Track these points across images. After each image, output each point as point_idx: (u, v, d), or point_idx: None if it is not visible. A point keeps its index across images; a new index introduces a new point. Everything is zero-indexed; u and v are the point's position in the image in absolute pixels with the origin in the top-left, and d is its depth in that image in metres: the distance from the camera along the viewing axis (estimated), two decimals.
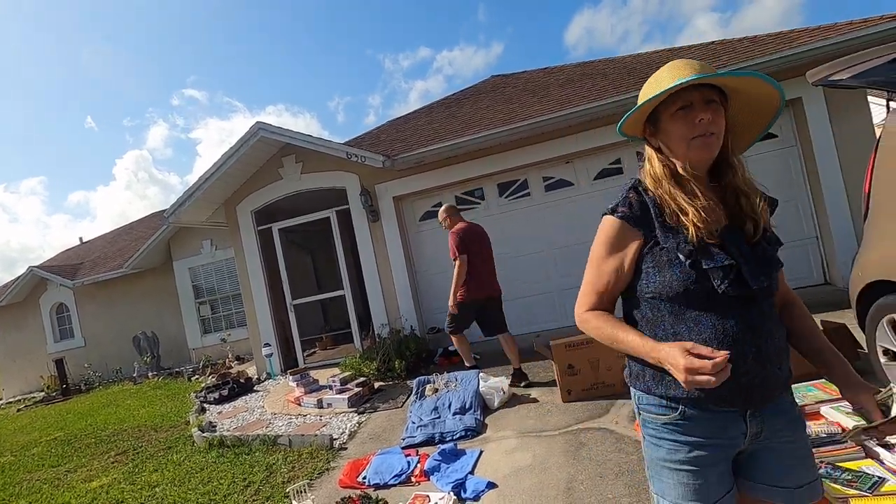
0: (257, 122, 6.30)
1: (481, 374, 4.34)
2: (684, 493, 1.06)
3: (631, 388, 1.18)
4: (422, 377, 4.63)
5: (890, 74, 2.59)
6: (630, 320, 1.15)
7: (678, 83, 0.98)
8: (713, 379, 0.87)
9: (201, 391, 6.44)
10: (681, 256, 1.02)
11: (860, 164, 3.97)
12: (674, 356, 0.93)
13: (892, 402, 1.09)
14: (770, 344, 1.03)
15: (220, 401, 6.04)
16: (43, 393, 10.56)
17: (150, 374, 9.79)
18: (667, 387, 1.05)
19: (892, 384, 1.13)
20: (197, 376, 8.68)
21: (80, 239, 16.23)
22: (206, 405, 6.01)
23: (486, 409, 3.91)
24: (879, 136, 2.60)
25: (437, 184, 6.39)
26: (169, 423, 5.57)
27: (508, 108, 6.74)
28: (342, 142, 7.64)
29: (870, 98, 5.38)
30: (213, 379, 6.93)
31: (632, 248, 1.08)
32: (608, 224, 1.11)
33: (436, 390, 4.28)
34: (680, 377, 0.92)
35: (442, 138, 6.31)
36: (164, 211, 7.12)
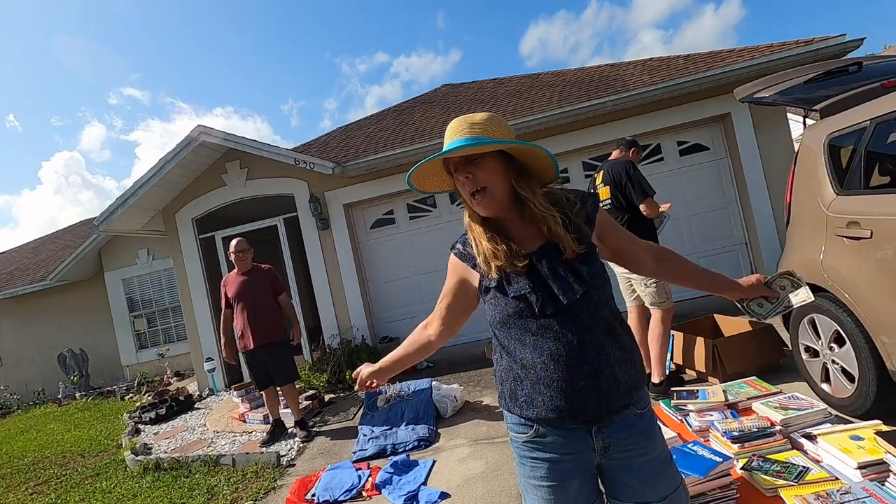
0: (198, 126, 6.02)
1: (434, 382, 4.32)
2: None
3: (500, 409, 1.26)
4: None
5: (805, 93, 2.83)
6: (494, 349, 1.25)
7: (434, 157, 1.13)
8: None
9: (136, 411, 6.02)
10: (494, 287, 1.13)
11: (782, 175, 4.30)
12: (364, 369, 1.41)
13: (777, 282, 1.36)
14: (602, 358, 1.07)
15: (157, 420, 5.67)
16: None
17: (77, 394, 9.03)
18: (521, 407, 1.13)
19: (775, 275, 1.36)
20: (131, 395, 8.10)
21: None
22: (140, 426, 5.62)
23: (439, 417, 3.89)
24: (797, 150, 2.83)
25: (388, 191, 6.35)
26: (98, 448, 5.15)
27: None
28: (293, 147, 7.44)
29: (789, 115, 5.85)
30: (150, 397, 6.50)
31: (463, 280, 1.25)
32: (450, 259, 1.29)
33: (388, 401, 4.21)
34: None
35: (393, 145, 6.29)
36: (94, 218, 6.63)
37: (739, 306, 1.40)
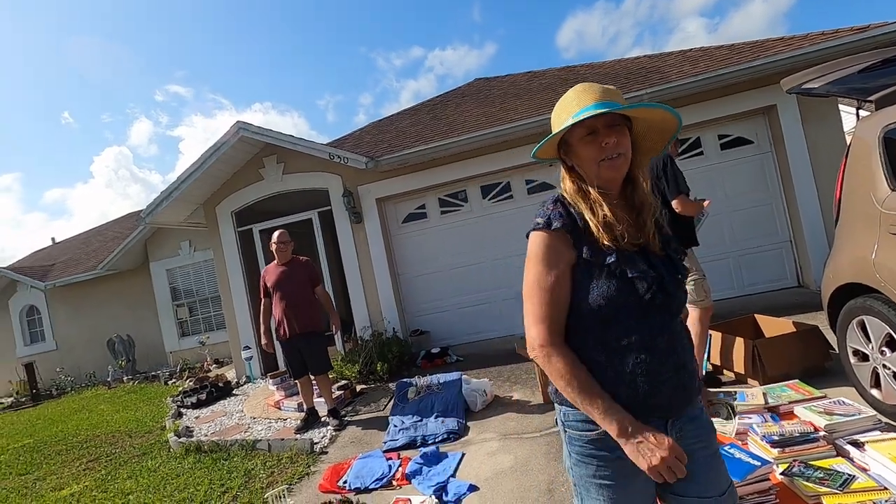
0: (238, 122, 6.21)
1: (464, 376, 4.34)
2: None
3: (556, 406, 1.17)
4: (404, 380, 4.60)
5: (859, 83, 2.68)
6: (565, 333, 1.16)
7: (581, 116, 1.04)
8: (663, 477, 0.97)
9: (178, 395, 6.31)
10: (609, 265, 1.05)
11: (832, 170, 4.09)
12: (654, 449, 0.96)
13: (719, 408, 1.26)
14: (685, 356, 1.10)
15: (198, 405, 5.91)
16: (11, 398, 10.19)
17: (125, 378, 9.53)
18: None
19: (718, 398, 1.26)
20: (174, 380, 8.49)
21: (53, 239, 15.79)
22: (183, 410, 5.88)
23: (469, 411, 3.91)
24: (849, 144, 2.68)
25: (420, 186, 6.39)
26: (144, 429, 5.43)
27: (492, 111, 6.77)
28: (328, 142, 7.58)
29: (840, 106, 5.55)
30: (191, 383, 6.79)
31: (568, 260, 1.09)
32: (541, 238, 1.10)
33: (418, 393, 4.26)
34: (649, 462, 0.96)
35: (425, 140, 6.31)
36: (141, 211, 6.95)
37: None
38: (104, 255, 10.60)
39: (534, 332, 1.08)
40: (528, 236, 1.14)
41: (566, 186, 1.16)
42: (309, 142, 6.43)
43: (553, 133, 1.10)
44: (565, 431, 1.15)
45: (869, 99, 2.60)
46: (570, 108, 1.08)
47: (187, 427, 4.98)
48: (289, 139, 6.33)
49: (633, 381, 1.04)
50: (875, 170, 2.44)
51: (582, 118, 1.03)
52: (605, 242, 1.06)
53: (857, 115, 2.78)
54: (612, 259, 1.05)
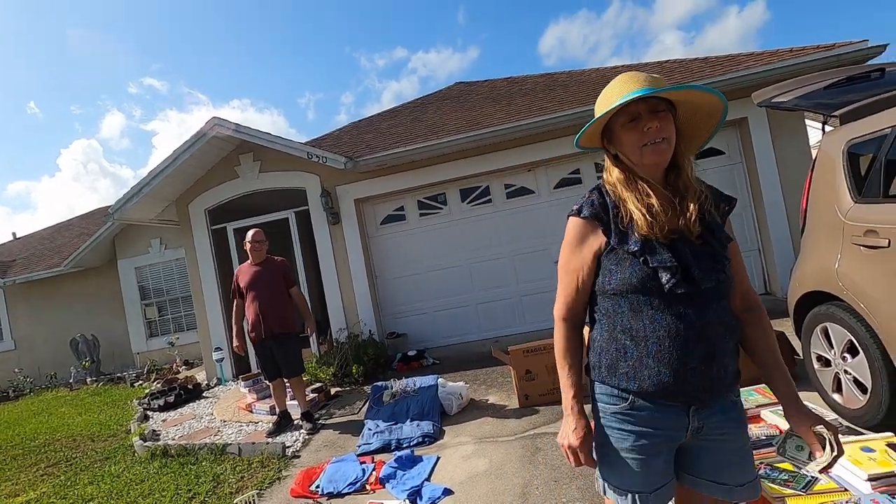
0: (213, 118, 6.07)
1: (440, 379, 4.33)
2: (628, 479, 1.13)
3: (586, 378, 1.24)
4: (379, 383, 4.56)
5: (825, 99, 2.79)
6: (592, 313, 1.22)
7: (625, 99, 1.06)
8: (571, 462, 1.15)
9: (145, 398, 6.11)
10: (633, 253, 1.08)
11: (798, 181, 4.23)
12: (570, 431, 1.15)
13: (826, 444, 1.09)
14: (718, 347, 1.08)
15: (166, 408, 5.74)
16: None
17: (88, 379, 9.18)
18: (619, 379, 1.12)
19: (836, 430, 1.12)
20: (141, 382, 8.22)
21: (14, 234, 15.13)
22: (149, 412, 5.70)
23: (444, 414, 3.90)
24: (815, 157, 2.79)
25: (399, 187, 6.36)
26: (108, 433, 5.24)
27: (472, 116, 6.80)
28: (307, 140, 7.49)
29: (807, 120, 5.76)
30: (159, 385, 6.58)
31: (595, 246, 1.15)
32: (573, 224, 1.19)
33: (394, 396, 4.23)
34: (562, 439, 1.16)
35: (405, 142, 6.29)
36: (110, 206, 6.72)
37: (778, 441, 1.21)
38: (69, 251, 10.21)
39: (556, 307, 1.22)
40: (567, 219, 1.22)
41: (610, 176, 1.18)
42: (287, 140, 6.34)
43: (594, 119, 1.12)
44: (592, 403, 1.20)
45: (834, 114, 2.70)
46: (613, 97, 1.10)
47: (154, 430, 4.83)
48: (266, 137, 6.22)
49: (657, 368, 1.07)
50: (839, 182, 2.54)
51: (624, 102, 1.06)
52: (644, 231, 1.07)
53: (823, 129, 2.89)
54: (636, 247, 1.08)
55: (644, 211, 1.08)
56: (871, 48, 5.11)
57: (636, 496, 1.12)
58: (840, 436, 1.14)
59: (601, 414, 1.18)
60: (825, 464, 1.11)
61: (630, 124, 1.10)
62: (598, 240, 1.14)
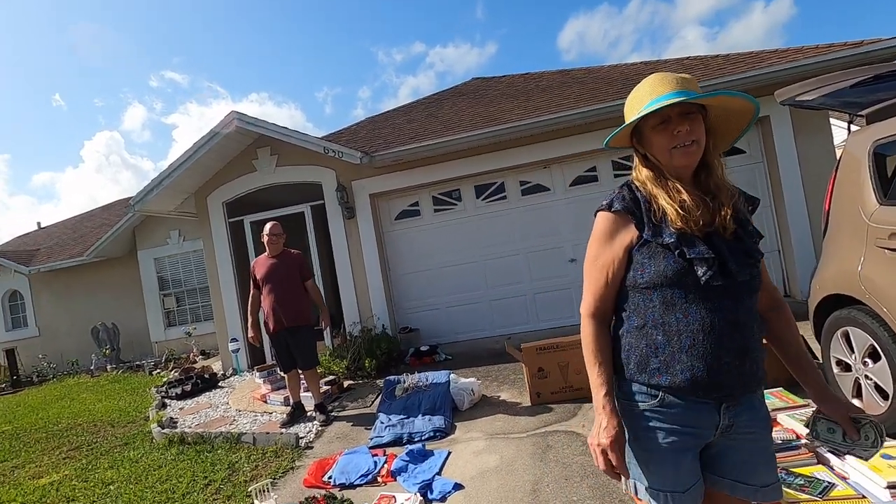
0: (233, 112, 6.15)
1: (452, 374, 4.35)
2: (660, 479, 1.11)
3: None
4: (392, 377, 4.60)
5: (851, 98, 2.72)
6: (619, 310, 1.19)
7: (656, 104, 1.06)
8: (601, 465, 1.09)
9: (163, 386, 6.24)
10: (668, 245, 1.08)
11: (821, 182, 4.14)
12: (601, 430, 1.08)
13: (863, 427, 1.12)
14: (751, 341, 1.09)
15: (183, 396, 5.86)
16: None
17: (108, 366, 9.41)
18: (650, 374, 1.10)
19: (866, 415, 1.15)
20: (159, 370, 8.40)
21: (39, 224, 15.53)
22: (167, 400, 5.83)
23: (456, 410, 3.92)
24: (839, 157, 2.72)
25: (414, 183, 6.38)
26: (127, 419, 5.37)
27: (488, 112, 6.77)
28: (324, 135, 7.54)
29: (831, 119, 5.63)
30: (176, 373, 6.73)
31: (626, 240, 1.14)
32: (603, 219, 1.18)
33: (406, 390, 4.26)
34: (592, 439, 1.10)
35: (421, 138, 6.30)
36: (131, 198, 6.86)
37: (809, 423, 1.23)
38: (91, 241, 10.45)
39: (583, 303, 1.20)
40: (595, 215, 1.20)
41: (640, 174, 1.18)
42: (304, 134, 6.39)
43: (626, 122, 1.13)
44: (619, 401, 1.17)
45: (860, 113, 2.63)
46: (644, 99, 1.11)
47: (171, 418, 4.93)
48: (283, 131, 6.28)
49: (690, 363, 1.06)
50: (864, 183, 2.48)
51: (653, 108, 1.06)
52: (678, 225, 1.07)
53: (849, 128, 2.82)
54: (672, 240, 1.07)
55: (676, 206, 1.08)
56: None
57: (669, 496, 1.10)
58: (877, 449, 1.14)
59: (629, 412, 1.16)
60: (871, 447, 1.12)
61: (660, 126, 1.10)
62: (629, 233, 1.13)
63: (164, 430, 4.39)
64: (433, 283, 6.57)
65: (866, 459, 1.21)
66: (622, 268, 1.15)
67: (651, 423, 1.11)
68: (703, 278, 1.04)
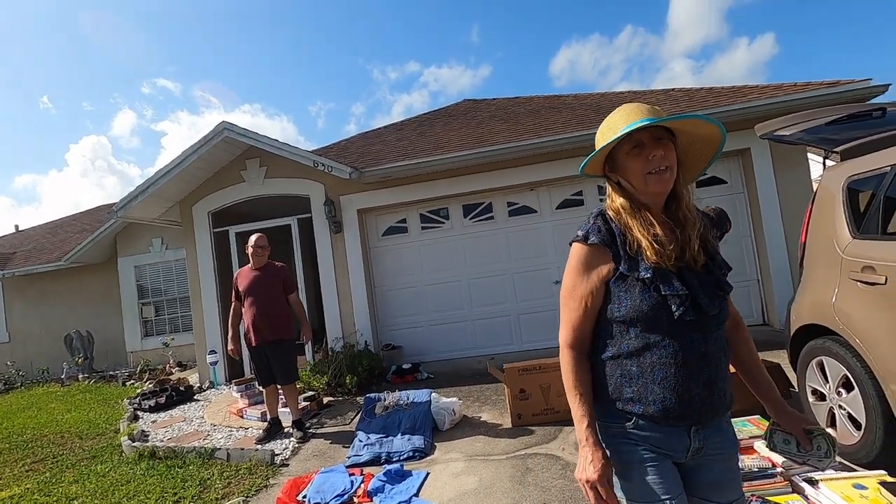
0: (223, 122, 6.14)
1: (433, 393, 4.31)
2: (653, 489, 1.12)
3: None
4: (372, 394, 4.54)
5: (826, 134, 2.83)
6: (597, 337, 1.20)
7: (633, 126, 1.09)
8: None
9: (136, 397, 6.07)
10: (643, 280, 1.10)
11: (798, 214, 4.25)
12: (587, 464, 1.09)
13: (815, 438, 1.20)
14: (718, 371, 1.12)
15: (157, 409, 5.70)
16: None
17: (80, 376, 9.13)
18: (624, 402, 1.14)
19: (819, 429, 1.22)
20: (133, 381, 8.17)
21: (16, 226, 15.17)
22: (139, 412, 5.66)
23: (436, 429, 3.87)
24: (815, 191, 2.82)
25: (402, 200, 6.40)
26: (96, 431, 5.19)
27: (478, 133, 6.87)
28: (315, 149, 7.55)
29: (809, 154, 5.82)
30: (151, 385, 6.55)
31: (603, 272, 1.16)
32: (579, 250, 1.19)
33: (386, 408, 4.21)
34: (579, 474, 1.10)
35: (411, 156, 6.35)
36: (114, 204, 6.76)
37: (766, 434, 1.30)
38: (71, 246, 10.23)
39: (561, 333, 1.21)
40: (570, 245, 1.22)
41: (613, 203, 1.19)
42: (294, 147, 6.40)
43: (601, 146, 1.14)
44: (597, 424, 1.19)
45: (835, 150, 2.73)
46: (617, 125, 1.13)
47: (143, 431, 4.79)
48: (273, 143, 6.29)
49: (662, 394, 1.09)
50: (838, 217, 2.57)
51: (629, 131, 1.09)
52: (653, 259, 1.09)
53: (824, 164, 2.92)
54: (648, 275, 1.10)
55: (651, 239, 1.10)
56: (874, 87, 5.20)
57: (667, 502, 1.12)
58: (833, 471, 1.19)
59: (605, 435, 1.19)
60: (825, 457, 1.18)
61: (634, 151, 1.12)
62: (606, 266, 1.15)
63: (135, 444, 4.26)
64: (418, 301, 6.55)
65: (822, 470, 1.29)
66: (599, 299, 1.16)
67: (627, 441, 1.16)
68: (677, 314, 1.07)
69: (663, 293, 1.08)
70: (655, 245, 1.10)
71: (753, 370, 1.27)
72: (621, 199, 1.18)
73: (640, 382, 1.11)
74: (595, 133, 1.23)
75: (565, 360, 1.19)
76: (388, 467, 3.19)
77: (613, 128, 1.14)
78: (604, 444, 1.17)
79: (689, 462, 1.16)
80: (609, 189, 1.23)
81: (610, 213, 1.20)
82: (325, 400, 5.11)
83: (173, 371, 8.57)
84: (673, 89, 7.04)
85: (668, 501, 1.11)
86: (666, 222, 1.15)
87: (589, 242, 1.16)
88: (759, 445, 2.38)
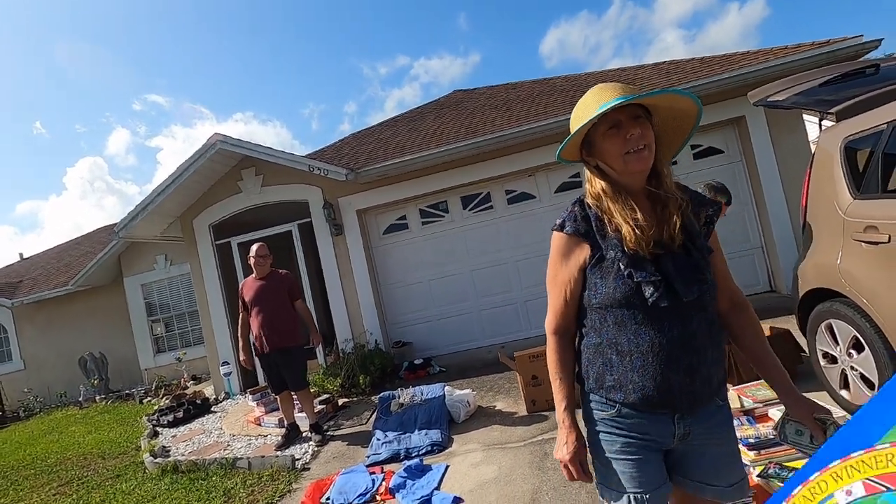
0: (215, 134, 6.14)
1: (447, 387, 4.33)
2: (622, 481, 1.14)
3: (578, 386, 1.26)
4: (386, 392, 4.57)
5: (820, 96, 2.80)
6: (581, 325, 1.22)
7: (608, 106, 1.05)
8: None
9: (154, 414, 6.13)
10: (621, 267, 1.08)
11: (799, 178, 4.23)
12: (562, 444, 1.17)
13: (828, 428, 1.12)
14: (701, 358, 1.09)
15: (175, 423, 5.76)
16: None
17: (97, 397, 9.22)
18: (606, 390, 1.15)
19: (832, 414, 1.15)
20: (149, 398, 8.25)
21: (21, 255, 15.25)
22: (159, 429, 5.72)
23: (452, 422, 3.90)
24: (813, 153, 2.80)
25: (400, 197, 6.40)
26: (118, 450, 5.26)
27: (471, 123, 6.84)
28: (310, 152, 7.54)
29: (805, 116, 5.77)
30: (167, 400, 6.61)
31: (580, 260, 1.16)
32: (557, 238, 1.19)
33: (401, 405, 4.24)
34: (556, 453, 1.19)
35: (405, 152, 6.34)
36: (115, 224, 6.79)
37: (777, 425, 1.24)
38: (76, 270, 10.29)
39: (546, 319, 1.24)
40: (552, 232, 1.22)
41: (593, 188, 1.17)
42: (288, 154, 6.39)
43: (576, 129, 1.11)
44: (582, 409, 1.22)
45: (830, 111, 2.71)
46: (591, 107, 1.10)
47: (164, 447, 4.84)
48: (267, 151, 6.28)
49: (641, 383, 1.09)
50: (837, 179, 2.55)
51: (605, 111, 1.05)
52: (631, 246, 1.07)
53: (820, 125, 2.90)
54: (621, 262, 1.08)
55: (632, 224, 1.08)
56: (866, 43, 5.13)
57: (631, 497, 1.13)
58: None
59: (591, 420, 1.20)
60: None
61: (611, 131, 1.09)
62: (583, 253, 1.15)
63: (157, 460, 4.31)
64: (424, 296, 6.56)
65: None
66: (579, 286, 1.17)
67: (610, 431, 1.16)
68: (650, 300, 1.05)
69: (636, 279, 1.06)
70: (636, 231, 1.07)
71: (760, 356, 1.22)
72: (602, 182, 1.15)
73: (619, 370, 1.11)
74: None
75: (549, 345, 1.22)
76: (408, 463, 3.22)
77: (587, 109, 1.10)
78: (587, 429, 1.21)
79: (680, 447, 1.16)
80: (588, 174, 1.20)
81: (589, 199, 1.18)
82: (341, 401, 5.15)
83: (188, 385, 8.64)
84: (664, 63, 6.97)
85: (635, 494, 1.12)
86: (646, 204, 1.13)
87: (565, 231, 1.16)
88: (774, 412, 2.39)
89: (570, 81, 7.56)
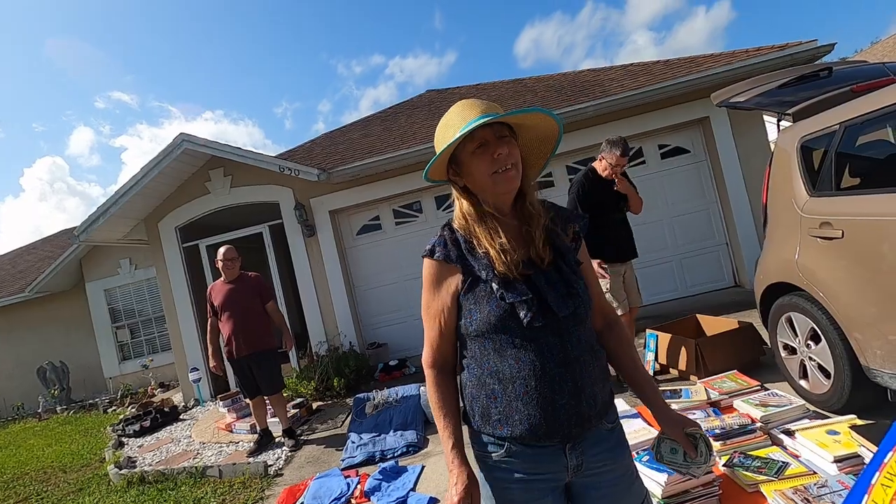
0: (181, 134, 5.97)
1: (422, 387, 4.32)
2: None
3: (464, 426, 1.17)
4: (361, 394, 4.53)
5: (778, 98, 2.91)
6: (461, 357, 1.16)
7: (474, 124, 1.02)
8: None
9: (119, 423, 5.91)
10: (493, 288, 1.04)
11: (760, 177, 4.39)
12: (451, 486, 1.04)
13: (699, 443, 1.13)
14: (584, 376, 1.05)
15: (142, 433, 5.57)
16: None
17: (58, 408, 8.84)
18: (493, 426, 1.07)
19: (700, 428, 1.16)
20: (114, 407, 7.95)
21: None
22: (124, 439, 5.52)
23: (428, 423, 3.89)
24: (772, 153, 2.90)
25: (374, 197, 6.35)
26: (81, 462, 5.05)
27: None
28: (283, 151, 7.41)
29: (765, 117, 5.98)
30: (134, 409, 6.38)
31: (452, 287, 1.10)
32: (428, 267, 1.13)
33: (376, 407, 4.20)
34: (447, 500, 1.06)
35: (378, 152, 6.29)
36: (76, 227, 6.52)
37: (653, 446, 1.21)
38: (34, 275, 9.84)
39: (423, 353, 1.17)
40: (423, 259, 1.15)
41: (460, 210, 1.14)
42: (257, 154, 6.27)
43: (443, 148, 1.06)
44: (474, 451, 1.14)
45: (787, 112, 2.82)
46: (456, 124, 1.06)
47: (129, 457, 4.68)
48: (236, 151, 6.14)
49: (526, 412, 1.03)
50: (795, 177, 2.65)
51: (472, 128, 1.02)
52: (500, 269, 1.04)
53: (778, 126, 3.01)
54: (493, 285, 1.04)
55: (497, 248, 1.05)
56: (821, 47, 5.36)
57: None
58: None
59: (483, 463, 1.12)
60: (703, 463, 1.12)
61: (479, 150, 1.06)
62: (455, 280, 1.10)
63: (122, 471, 4.16)
64: (399, 297, 6.53)
65: (697, 477, 1.25)
66: (453, 316, 1.11)
67: (503, 474, 1.08)
68: (525, 320, 1.01)
69: (508, 301, 1.02)
70: (502, 255, 1.04)
71: (632, 374, 1.20)
72: (466, 203, 1.12)
73: (503, 401, 1.05)
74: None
75: (428, 381, 1.14)
76: (383, 465, 3.19)
77: (452, 127, 1.06)
78: (483, 475, 1.12)
79: (577, 480, 1.10)
80: (455, 194, 1.16)
81: (456, 222, 1.14)
82: (315, 405, 5.08)
83: (156, 393, 8.37)
84: (632, 64, 7.12)
85: None
86: (512, 225, 1.11)
87: (435, 258, 1.11)
88: (738, 403, 2.47)
89: (541, 82, 7.65)
